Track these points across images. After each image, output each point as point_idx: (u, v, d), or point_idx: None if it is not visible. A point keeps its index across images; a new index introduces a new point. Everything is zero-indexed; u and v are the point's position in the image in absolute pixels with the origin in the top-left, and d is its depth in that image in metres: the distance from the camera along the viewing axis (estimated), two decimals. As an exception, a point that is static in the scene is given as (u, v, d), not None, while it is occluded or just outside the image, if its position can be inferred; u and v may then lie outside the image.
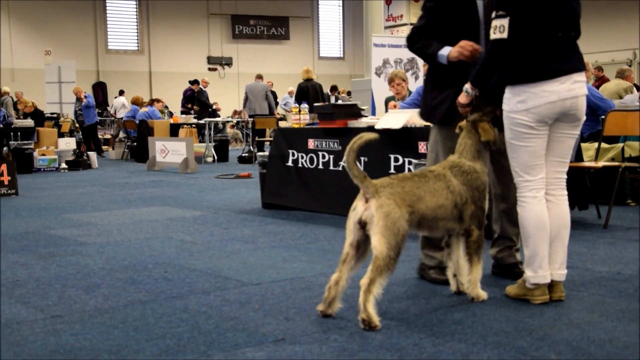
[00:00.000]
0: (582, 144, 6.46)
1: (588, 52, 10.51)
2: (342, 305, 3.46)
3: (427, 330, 3.22)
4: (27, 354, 3.00)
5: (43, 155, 13.38)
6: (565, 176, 3.70)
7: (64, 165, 13.45)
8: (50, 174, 12.72)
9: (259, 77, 17.19)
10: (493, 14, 3.49)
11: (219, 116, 18.68)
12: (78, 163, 13.65)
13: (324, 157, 6.91)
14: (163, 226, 6.43)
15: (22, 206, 8.05)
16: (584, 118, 3.63)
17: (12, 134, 13.33)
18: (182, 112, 18.67)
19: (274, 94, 20.98)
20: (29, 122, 14.12)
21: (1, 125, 13.88)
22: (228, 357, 2.91)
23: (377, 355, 2.89)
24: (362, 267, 3.41)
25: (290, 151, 7.28)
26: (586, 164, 6.18)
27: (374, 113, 11.04)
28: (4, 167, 9.20)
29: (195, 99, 18.66)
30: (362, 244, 3.40)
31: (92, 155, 14.39)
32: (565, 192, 3.67)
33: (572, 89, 3.49)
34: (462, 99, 3.73)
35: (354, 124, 6.68)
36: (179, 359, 2.90)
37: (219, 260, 4.90)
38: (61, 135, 15.19)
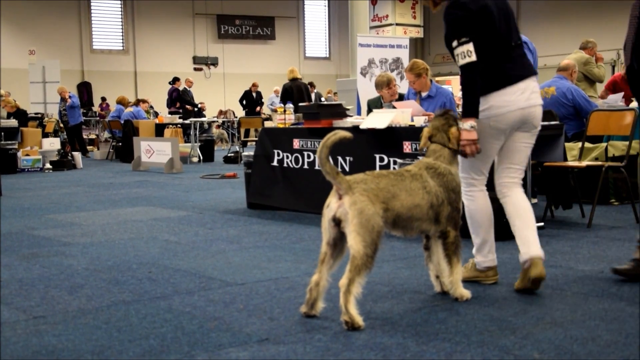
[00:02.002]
0: (567, 144, 6.49)
1: (571, 52, 10.53)
2: (325, 305, 3.46)
3: (411, 329, 3.23)
4: (9, 355, 2.97)
5: (27, 155, 13.30)
6: (521, 177, 4.01)
7: (48, 165, 13.37)
8: (34, 174, 12.64)
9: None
10: (454, 43, 3.75)
11: (204, 116, 18.62)
12: (62, 163, 13.57)
13: (309, 156, 6.91)
14: (148, 226, 6.41)
15: (6, 207, 8.00)
16: (539, 127, 3.96)
17: (-5, 134, 13.24)
18: (171, 113, 18.57)
19: (259, 94, 20.98)
20: (13, 122, 14.02)
21: (-16, 126, 13.79)
22: (212, 358, 2.91)
23: (361, 355, 2.89)
24: (342, 265, 3.41)
25: (276, 151, 7.27)
26: (570, 163, 6.21)
27: (359, 113, 11.05)
28: (-13, 167, 9.14)
29: (180, 99, 18.59)
30: (339, 242, 3.40)
31: (77, 155, 14.31)
32: (521, 189, 3.99)
33: (530, 99, 3.83)
34: (472, 135, 3.73)
35: (339, 123, 6.68)
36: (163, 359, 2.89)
37: (204, 260, 4.88)
38: (45, 135, 15.10)
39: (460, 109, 4.77)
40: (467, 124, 3.73)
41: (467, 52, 3.71)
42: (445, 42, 3.85)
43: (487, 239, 3.99)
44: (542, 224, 5.88)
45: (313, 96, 17.70)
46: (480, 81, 3.75)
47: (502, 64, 3.82)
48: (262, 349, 3.00)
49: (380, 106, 7.89)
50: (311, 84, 20.61)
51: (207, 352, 2.98)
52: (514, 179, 3.97)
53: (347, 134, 3.40)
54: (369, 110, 8.07)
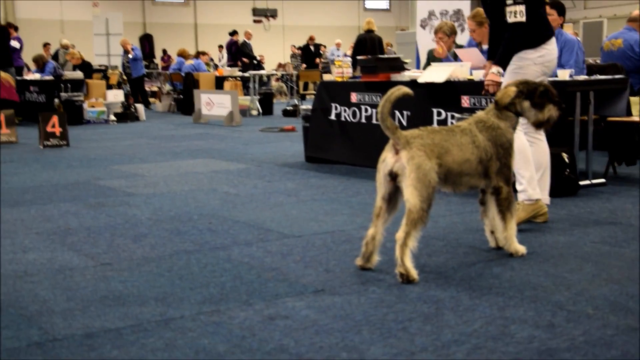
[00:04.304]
0: (631, 98, 6.31)
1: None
2: (381, 258, 3.52)
3: (465, 283, 3.27)
4: (79, 299, 3.14)
5: (92, 107, 13.61)
6: None
7: (112, 117, 13.68)
8: (99, 126, 12.98)
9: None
10: (509, 1, 4.28)
11: (263, 69, 18.68)
12: (126, 115, 13.87)
13: (366, 110, 6.92)
14: (208, 178, 6.56)
15: (73, 157, 8.27)
16: None
17: (62, 85, 13.57)
18: (230, 66, 18.67)
19: (317, 46, 20.87)
20: (78, 74, 14.32)
21: (52, 77, 14.14)
22: (269, 306, 3.01)
23: (414, 307, 2.95)
24: (396, 220, 3.45)
25: (333, 105, 7.29)
26: (635, 118, 6.06)
27: (418, 66, 10.92)
28: (55, 118, 9.43)
29: (240, 52, 18.66)
30: (393, 197, 3.46)
31: (140, 107, 14.60)
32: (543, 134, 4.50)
33: (557, 51, 4.52)
34: (498, 79, 4.42)
35: (396, 77, 6.65)
36: (222, 307, 3.00)
37: (262, 212, 4.99)
38: (109, 87, 15.40)
39: None
40: (495, 68, 4.40)
41: (519, 12, 4.25)
42: None
43: (534, 176, 4.41)
44: (603, 180, 5.79)
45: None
46: (530, 35, 4.33)
47: (544, 18, 4.44)
48: (318, 299, 3.09)
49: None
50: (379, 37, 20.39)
51: (264, 301, 3.08)
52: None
53: (409, 91, 3.43)
54: (427, 60, 7.96)
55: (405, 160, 3.35)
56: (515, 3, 4.25)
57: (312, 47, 20.91)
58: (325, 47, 22.31)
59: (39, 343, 2.64)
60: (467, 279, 3.34)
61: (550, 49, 4.41)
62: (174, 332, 2.74)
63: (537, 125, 3.82)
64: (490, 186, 3.67)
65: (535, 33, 4.37)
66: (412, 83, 6.34)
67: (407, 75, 6.73)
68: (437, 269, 3.51)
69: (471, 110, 5.77)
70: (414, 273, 3.30)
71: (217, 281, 3.38)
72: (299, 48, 21.26)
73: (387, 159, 3.43)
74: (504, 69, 4.42)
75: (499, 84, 4.40)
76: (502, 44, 4.39)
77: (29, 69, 16.63)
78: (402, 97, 3.41)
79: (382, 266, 3.53)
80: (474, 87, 5.79)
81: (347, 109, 7.14)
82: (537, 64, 4.35)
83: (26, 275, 3.52)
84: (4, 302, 3.11)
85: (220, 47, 22.96)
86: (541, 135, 4.46)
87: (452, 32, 7.36)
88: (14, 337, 2.70)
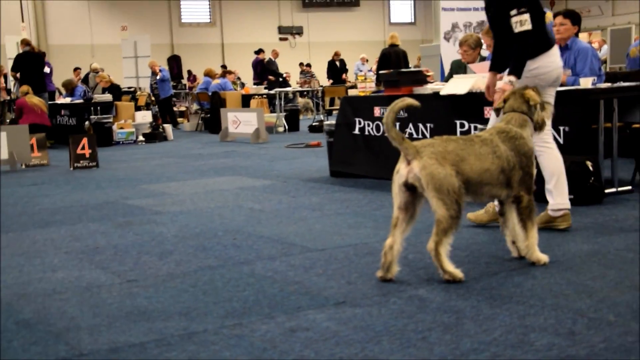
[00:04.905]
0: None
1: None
2: (401, 268, 3.54)
3: (486, 292, 3.27)
4: (105, 315, 3.20)
5: (121, 128, 13.82)
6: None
7: (141, 137, 13.88)
8: (128, 147, 13.17)
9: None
10: (513, 12, 4.30)
11: (289, 86, 18.81)
12: (154, 135, 14.05)
13: (390, 124, 6.93)
14: (233, 195, 6.63)
15: (102, 177, 8.41)
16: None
17: (92, 108, 13.82)
18: (255, 84, 18.82)
19: (342, 62, 20.98)
20: (108, 97, 14.59)
21: (82, 101, 14.40)
22: (290, 319, 3.04)
23: (434, 317, 2.96)
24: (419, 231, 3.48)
25: (357, 119, 7.33)
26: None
27: (442, 79, 10.93)
28: (85, 140, 9.60)
29: (265, 70, 18.81)
30: (410, 206, 3.48)
31: (168, 127, 14.78)
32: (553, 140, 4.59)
33: (560, 60, 4.54)
34: (508, 88, 4.26)
35: (419, 90, 6.67)
36: (244, 321, 3.04)
37: (286, 227, 5.04)
38: (138, 108, 15.64)
39: None
40: (508, 78, 4.32)
41: (524, 21, 4.26)
42: (497, 8, 4.41)
43: (564, 182, 4.49)
44: (630, 187, 5.74)
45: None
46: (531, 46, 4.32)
47: (543, 29, 4.41)
48: (339, 311, 3.12)
49: (463, 66, 7.78)
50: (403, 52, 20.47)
51: (286, 314, 3.12)
52: (550, 131, 4.53)
53: (415, 102, 3.46)
54: (451, 70, 7.97)
55: (418, 170, 3.38)
56: (519, 13, 4.28)
57: (337, 63, 21.01)
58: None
59: (65, 359, 2.70)
60: (488, 288, 3.34)
61: (546, 63, 4.38)
62: (197, 345, 2.78)
63: (539, 126, 3.85)
64: (512, 195, 3.67)
65: (534, 43, 4.37)
66: (435, 95, 6.37)
67: (429, 87, 6.75)
68: (459, 279, 3.51)
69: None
70: (458, 273, 3.41)
71: (240, 295, 3.43)
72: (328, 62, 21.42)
73: (400, 170, 3.46)
74: (520, 77, 4.36)
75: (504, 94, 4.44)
76: (514, 55, 4.36)
77: (60, 94, 16.96)
78: (406, 107, 3.47)
79: (404, 277, 3.55)
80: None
81: (370, 123, 7.18)
82: (528, 77, 4.33)
83: (55, 293, 3.61)
84: (33, 319, 3.19)
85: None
86: (551, 143, 4.48)
87: (477, 45, 7.39)
88: (42, 352, 2.77)
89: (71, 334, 2.97)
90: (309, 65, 22.93)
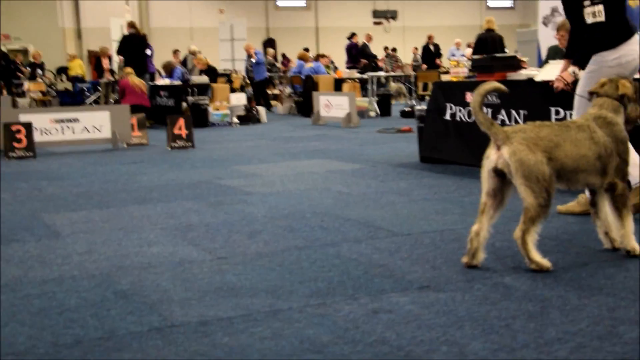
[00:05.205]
0: None
1: None
2: (487, 255, 3.51)
3: (574, 283, 3.21)
4: (196, 289, 3.34)
5: (217, 110, 14.16)
6: None
7: (235, 119, 14.19)
8: (223, 128, 13.49)
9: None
10: (587, 2, 4.30)
11: (382, 70, 18.75)
12: (248, 118, 14.34)
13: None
14: (322, 178, 6.71)
15: (197, 158, 8.68)
16: None
17: (189, 90, 14.22)
18: (349, 68, 18.84)
19: (437, 46, 20.70)
20: (204, 79, 14.96)
21: (180, 82, 14.84)
22: (373, 301, 3.08)
23: (519, 305, 2.94)
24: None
25: (448, 105, 7.26)
26: None
27: (540, 64, 10.64)
28: (181, 121, 9.91)
29: (361, 53, 18.79)
30: (499, 193, 3.43)
31: (261, 110, 15.04)
32: None
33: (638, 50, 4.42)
34: (570, 78, 4.56)
35: (513, 76, 6.55)
36: (328, 301, 3.11)
37: (373, 211, 5.07)
38: (233, 91, 15.97)
39: None
40: (572, 68, 4.49)
41: (597, 12, 4.27)
42: None
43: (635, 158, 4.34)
44: None
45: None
46: (608, 36, 4.34)
47: (623, 18, 4.40)
48: (422, 295, 3.13)
49: (560, 52, 7.57)
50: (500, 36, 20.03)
51: (369, 295, 3.16)
52: None
53: (502, 87, 3.43)
54: (547, 56, 7.75)
55: (507, 156, 3.34)
56: (593, 3, 4.28)
57: (431, 47, 20.76)
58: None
59: (158, 328, 2.84)
60: (577, 279, 3.28)
61: (629, 50, 4.36)
62: (282, 322, 2.86)
63: (631, 121, 3.71)
64: (606, 182, 3.57)
65: (612, 34, 4.36)
66: (529, 82, 6.23)
67: (524, 73, 6.61)
68: (546, 269, 3.46)
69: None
70: (545, 263, 3.35)
71: (325, 276, 3.49)
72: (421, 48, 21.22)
73: (490, 156, 3.43)
74: (583, 68, 4.48)
75: (567, 83, 4.60)
76: (583, 45, 4.44)
77: (160, 75, 17.54)
78: (493, 91, 3.45)
79: (490, 264, 3.53)
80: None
81: (462, 108, 7.09)
82: (611, 66, 4.32)
83: (150, 267, 3.78)
84: (130, 290, 3.36)
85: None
86: None
87: None
88: (137, 321, 2.92)
89: (164, 306, 3.11)
90: (394, 49, 22.78)
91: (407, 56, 26.27)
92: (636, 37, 4.45)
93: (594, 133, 3.50)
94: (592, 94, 3.88)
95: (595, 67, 4.42)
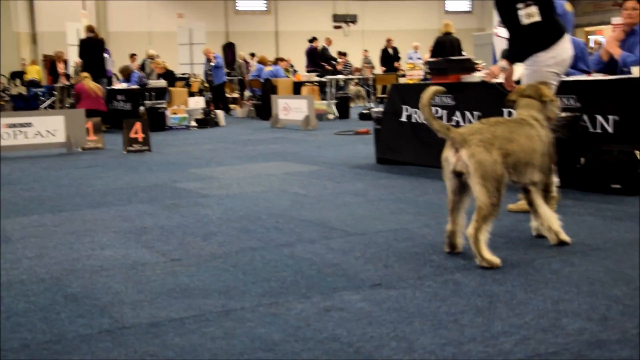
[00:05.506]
0: None
1: None
2: (438, 253, 3.59)
3: (522, 278, 3.27)
4: (148, 291, 3.32)
5: (174, 114, 14.07)
6: None
7: (193, 123, 14.11)
8: (180, 132, 13.40)
9: None
10: (520, 5, 4.42)
11: (341, 74, 18.82)
12: (206, 121, 14.27)
13: (437, 112, 6.92)
14: (279, 180, 6.72)
15: (154, 161, 8.61)
16: None
17: (147, 94, 14.10)
18: (309, 71, 18.86)
19: (395, 50, 20.86)
20: (162, 83, 14.85)
21: (138, 86, 14.70)
22: (326, 299, 3.10)
23: (467, 301, 2.99)
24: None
25: (404, 107, 7.33)
26: None
27: (494, 67, 10.78)
28: (138, 125, 9.83)
29: (321, 57, 18.83)
30: (462, 191, 3.59)
31: (220, 113, 14.98)
32: None
33: (572, 49, 4.66)
34: (497, 71, 4.82)
35: (467, 78, 6.64)
36: (280, 300, 3.12)
37: (329, 212, 5.10)
38: (191, 94, 15.88)
39: (592, 57, 5.40)
40: (502, 62, 4.72)
41: (531, 13, 4.40)
42: (504, 1, 4.56)
43: None
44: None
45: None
46: (539, 37, 4.48)
47: (553, 19, 4.54)
48: (374, 293, 3.16)
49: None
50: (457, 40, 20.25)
51: (322, 294, 3.18)
52: None
53: (440, 88, 3.59)
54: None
55: (466, 158, 3.45)
56: (526, 5, 4.42)
57: (390, 50, 20.90)
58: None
59: (108, 330, 2.82)
60: (524, 274, 3.34)
61: (563, 48, 4.54)
62: (234, 322, 2.87)
63: (551, 120, 3.92)
64: (542, 182, 3.74)
65: (546, 34, 4.52)
66: (482, 84, 6.32)
67: (477, 76, 6.71)
68: (496, 265, 3.52)
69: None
70: (494, 260, 3.44)
71: (278, 276, 3.50)
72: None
73: (449, 158, 3.56)
74: (514, 63, 4.73)
75: (494, 76, 4.92)
76: (519, 44, 4.60)
77: (117, 79, 17.35)
78: (434, 95, 3.58)
79: (442, 262, 3.58)
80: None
81: (417, 110, 7.16)
82: (549, 64, 4.51)
83: (102, 269, 3.74)
84: (80, 293, 3.32)
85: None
86: None
87: None
88: (87, 324, 2.89)
89: (115, 308, 3.08)
90: (344, 54, 22.92)
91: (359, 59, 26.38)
92: (567, 36, 4.64)
93: (539, 131, 3.63)
94: (512, 102, 4.02)
95: (534, 67, 4.58)
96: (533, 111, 3.80)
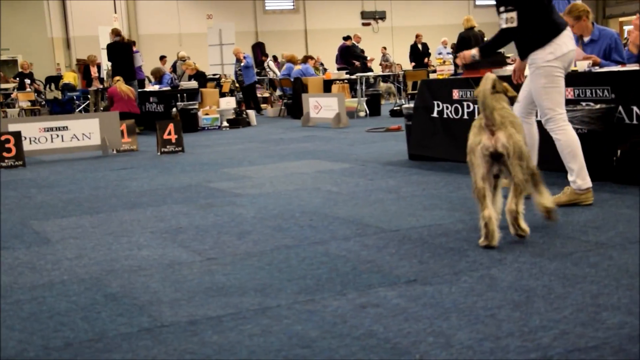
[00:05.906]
0: None
1: None
2: (473, 249, 3.59)
3: (559, 272, 3.24)
4: (186, 290, 3.36)
5: (206, 114, 14.18)
6: None
7: (225, 123, 14.20)
8: (212, 132, 13.50)
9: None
10: (502, 9, 4.49)
11: (371, 71, 18.79)
12: (238, 121, 14.35)
13: (468, 107, 6.89)
14: (312, 178, 6.74)
15: (187, 162, 8.69)
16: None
17: (178, 95, 14.23)
18: (339, 69, 18.88)
19: (425, 45, 20.76)
20: (193, 84, 14.97)
21: (169, 88, 14.85)
22: (361, 296, 3.11)
23: (504, 296, 2.97)
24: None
25: (435, 102, 7.30)
26: None
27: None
28: (171, 126, 9.92)
29: (350, 54, 18.84)
30: (494, 174, 3.78)
31: (251, 113, 15.06)
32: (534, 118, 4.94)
33: (572, 44, 4.64)
34: (467, 59, 4.81)
35: (499, 72, 6.58)
36: (316, 297, 3.13)
37: (362, 209, 5.10)
38: (222, 95, 15.98)
39: (626, 48, 5.34)
40: (474, 51, 4.75)
41: (510, 19, 4.46)
42: (495, 4, 4.61)
43: (583, 163, 4.58)
44: None
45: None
46: (534, 36, 4.53)
47: (549, 18, 4.56)
48: (409, 289, 3.16)
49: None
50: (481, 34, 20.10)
51: (357, 290, 3.19)
52: (564, 113, 4.67)
53: (495, 77, 3.85)
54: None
55: (505, 140, 3.69)
56: (506, 10, 4.48)
57: (419, 46, 20.81)
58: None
59: (148, 329, 2.86)
60: (561, 268, 3.31)
61: (561, 43, 4.54)
62: (270, 319, 2.89)
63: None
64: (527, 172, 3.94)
65: (539, 34, 4.54)
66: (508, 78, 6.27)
67: (509, 69, 6.64)
68: (532, 259, 3.49)
69: (576, 102, 5.65)
70: (527, 229, 3.79)
71: (313, 273, 3.52)
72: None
73: (484, 141, 3.73)
74: (483, 57, 4.82)
75: (464, 62, 4.89)
76: (492, 38, 4.71)
77: (149, 81, 17.54)
78: (495, 84, 3.83)
79: (476, 257, 3.56)
80: (576, 78, 5.67)
81: (449, 105, 7.13)
82: (549, 60, 4.52)
83: (140, 269, 3.80)
84: (119, 293, 3.38)
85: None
86: (568, 123, 4.63)
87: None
88: (127, 323, 2.94)
89: (154, 307, 3.13)
90: (384, 48, 22.94)
91: (396, 56, 26.28)
92: (566, 31, 4.60)
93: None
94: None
95: (536, 64, 4.60)
96: (504, 103, 3.98)
